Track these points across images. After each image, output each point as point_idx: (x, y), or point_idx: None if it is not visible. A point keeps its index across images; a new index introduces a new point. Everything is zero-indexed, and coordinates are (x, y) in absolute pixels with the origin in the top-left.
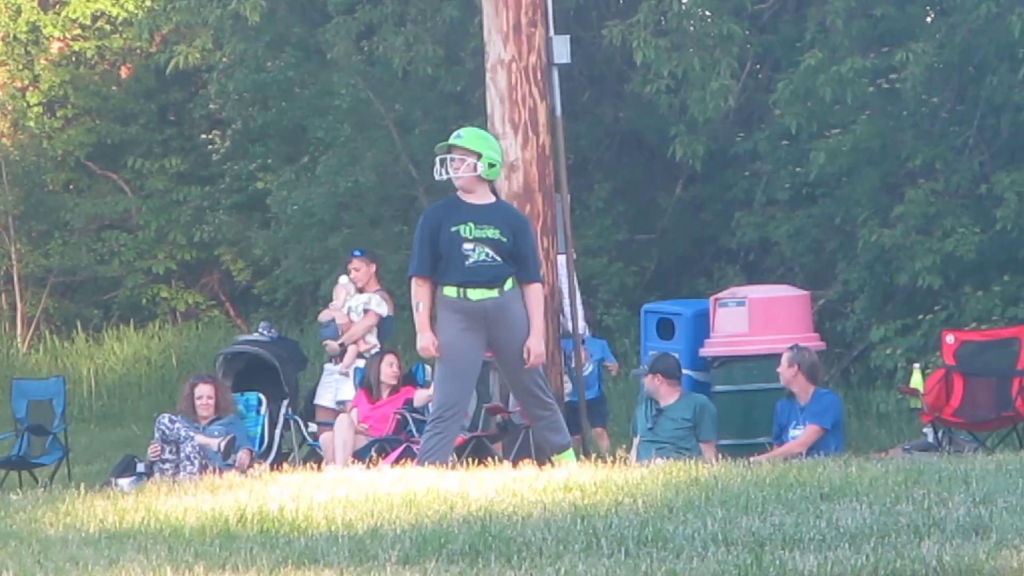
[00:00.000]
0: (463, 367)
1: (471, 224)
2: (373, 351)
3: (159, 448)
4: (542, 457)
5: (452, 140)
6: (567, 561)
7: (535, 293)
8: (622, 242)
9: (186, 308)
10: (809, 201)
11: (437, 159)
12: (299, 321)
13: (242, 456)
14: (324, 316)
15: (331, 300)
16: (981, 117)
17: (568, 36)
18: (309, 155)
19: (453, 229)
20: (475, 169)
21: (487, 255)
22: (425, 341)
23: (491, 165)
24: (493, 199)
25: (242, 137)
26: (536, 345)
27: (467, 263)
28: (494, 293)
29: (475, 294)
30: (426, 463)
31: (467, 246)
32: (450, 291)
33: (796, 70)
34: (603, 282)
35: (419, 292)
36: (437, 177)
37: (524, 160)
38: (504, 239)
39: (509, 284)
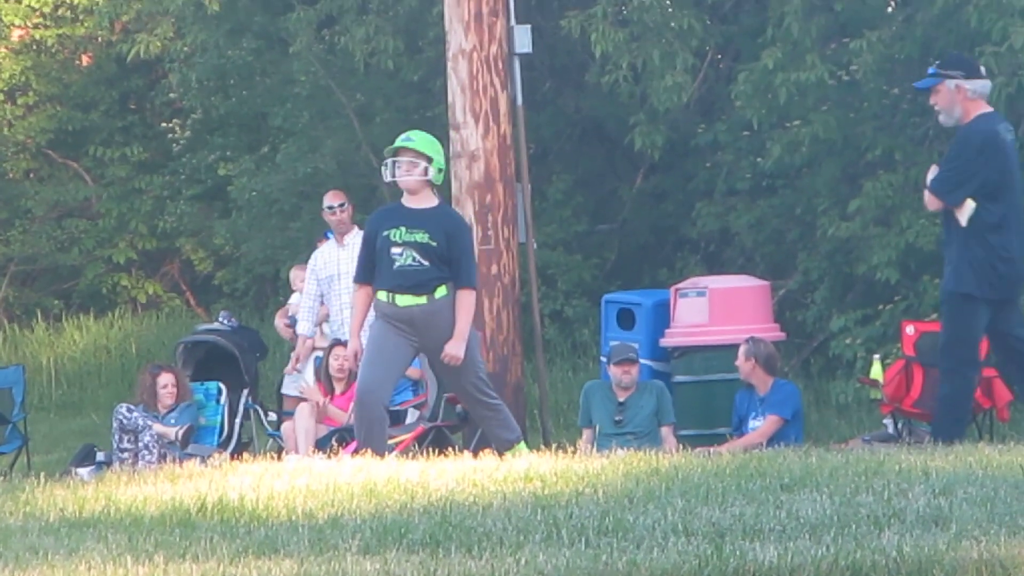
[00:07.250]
0: (383, 355)
1: (403, 228)
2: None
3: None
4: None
5: (401, 143)
6: (527, 551)
7: (464, 298)
8: (582, 233)
9: (147, 298)
10: (769, 192)
11: (389, 160)
12: (260, 310)
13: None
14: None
15: (291, 291)
16: None
17: (529, 26)
18: (269, 144)
19: (385, 233)
20: (426, 173)
21: (413, 259)
22: (348, 349)
23: (440, 170)
24: (435, 203)
25: (202, 127)
26: (453, 348)
27: (394, 267)
28: (422, 300)
29: (403, 300)
30: (363, 450)
31: (395, 250)
32: (381, 295)
33: (756, 66)
34: (561, 273)
35: (355, 297)
36: (385, 179)
37: (485, 150)
38: (434, 243)
39: (441, 292)
